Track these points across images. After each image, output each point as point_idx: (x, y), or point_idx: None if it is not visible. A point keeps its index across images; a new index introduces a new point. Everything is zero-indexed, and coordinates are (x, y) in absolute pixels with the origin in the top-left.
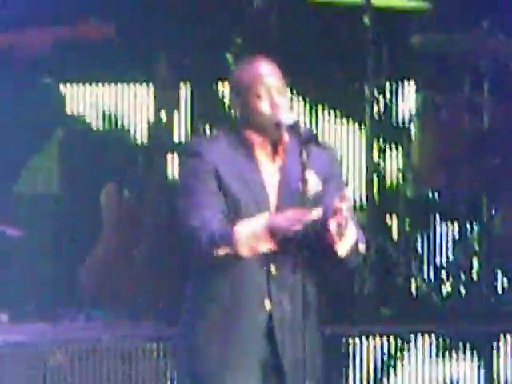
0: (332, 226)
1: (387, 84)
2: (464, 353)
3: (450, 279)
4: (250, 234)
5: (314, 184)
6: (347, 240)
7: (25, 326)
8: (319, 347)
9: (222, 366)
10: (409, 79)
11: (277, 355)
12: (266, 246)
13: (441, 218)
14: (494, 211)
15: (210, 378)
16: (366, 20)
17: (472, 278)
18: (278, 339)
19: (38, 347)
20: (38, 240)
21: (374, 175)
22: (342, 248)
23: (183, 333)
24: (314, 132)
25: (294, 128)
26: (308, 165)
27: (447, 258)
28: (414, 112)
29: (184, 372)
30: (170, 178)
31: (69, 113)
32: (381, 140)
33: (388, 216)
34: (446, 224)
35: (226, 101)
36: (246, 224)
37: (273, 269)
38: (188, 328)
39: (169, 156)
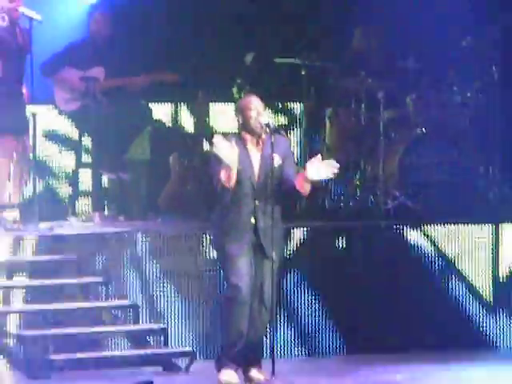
0: (307, 174)
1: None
2: None
3: None
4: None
5: (277, 160)
6: (309, 186)
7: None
8: (281, 236)
9: (231, 243)
10: None
11: (258, 238)
12: (230, 182)
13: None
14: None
15: (227, 248)
16: None
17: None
18: (260, 233)
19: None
20: (138, 181)
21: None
22: (306, 189)
23: (214, 230)
24: (277, 127)
25: (268, 125)
26: (274, 148)
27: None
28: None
29: (216, 246)
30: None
31: (152, 118)
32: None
33: None
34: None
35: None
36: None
37: (257, 202)
38: (215, 227)
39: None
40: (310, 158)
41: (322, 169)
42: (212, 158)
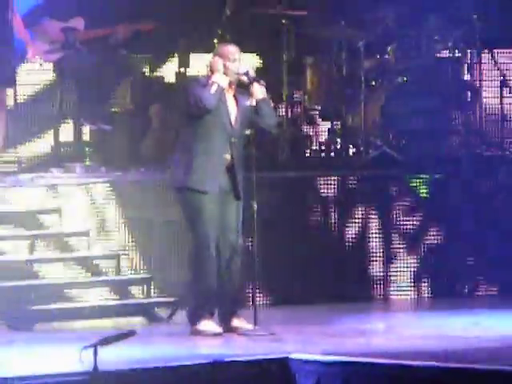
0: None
1: None
2: None
3: None
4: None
5: (251, 101)
6: (259, 91)
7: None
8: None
9: (200, 183)
10: None
11: (233, 177)
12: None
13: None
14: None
15: (194, 189)
16: None
17: None
18: (235, 171)
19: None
20: (121, 130)
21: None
22: (257, 94)
23: (178, 167)
24: (256, 75)
25: (247, 74)
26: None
27: None
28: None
29: (179, 186)
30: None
31: (133, 69)
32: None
33: None
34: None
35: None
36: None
37: (233, 139)
38: (181, 164)
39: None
40: (291, 107)
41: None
42: (192, 82)
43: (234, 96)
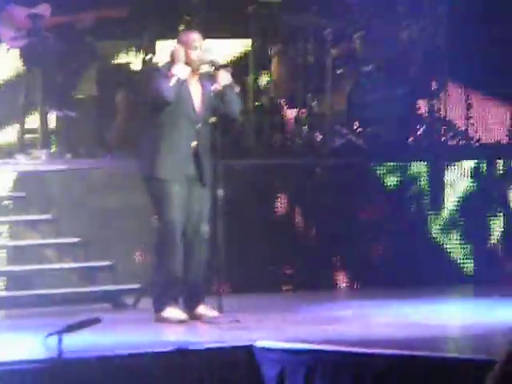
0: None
1: None
2: None
3: None
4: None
5: (216, 87)
6: (224, 77)
7: None
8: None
9: (166, 170)
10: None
11: (199, 164)
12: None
13: None
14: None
15: (161, 177)
16: None
17: None
18: (201, 158)
19: None
20: (87, 117)
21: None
22: (222, 79)
23: (145, 155)
24: (222, 63)
25: (213, 62)
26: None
27: None
28: None
29: (146, 174)
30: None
31: (99, 56)
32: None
33: None
34: None
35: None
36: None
37: (198, 126)
38: (147, 152)
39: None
40: (257, 95)
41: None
42: (153, 73)
43: (199, 81)
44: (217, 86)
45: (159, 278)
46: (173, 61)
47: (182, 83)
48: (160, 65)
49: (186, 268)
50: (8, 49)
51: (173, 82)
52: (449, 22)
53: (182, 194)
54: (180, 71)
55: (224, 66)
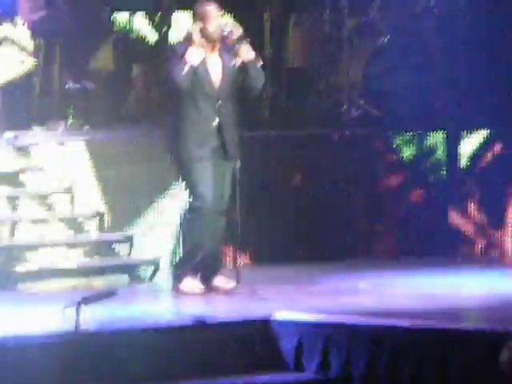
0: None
1: None
2: None
3: None
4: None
5: (237, 62)
6: (247, 52)
7: None
8: (237, 134)
9: (193, 147)
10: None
11: (223, 140)
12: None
13: None
14: None
15: (189, 153)
16: None
17: None
18: (224, 134)
19: None
20: (103, 90)
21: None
22: (244, 54)
23: (171, 133)
24: (239, 35)
25: (231, 34)
26: (235, 52)
27: None
28: None
29: (175, 151)
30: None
31: (116, 27)
32: None
33: None
34: None
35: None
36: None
37: (220, 102)
38: (173, 130)
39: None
40: (275, 66)
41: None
42: (169, 55)
43: (220, 55)
44: (239, 60)
45: (184, 249)
46: (189, 43)
47: (196, 68)
48: (176, 41)
49: (205, 240)
50: (23, 23)
51: (186, 69)
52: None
53: (208, 170)
54: (194, 57)
55: (241, 39)
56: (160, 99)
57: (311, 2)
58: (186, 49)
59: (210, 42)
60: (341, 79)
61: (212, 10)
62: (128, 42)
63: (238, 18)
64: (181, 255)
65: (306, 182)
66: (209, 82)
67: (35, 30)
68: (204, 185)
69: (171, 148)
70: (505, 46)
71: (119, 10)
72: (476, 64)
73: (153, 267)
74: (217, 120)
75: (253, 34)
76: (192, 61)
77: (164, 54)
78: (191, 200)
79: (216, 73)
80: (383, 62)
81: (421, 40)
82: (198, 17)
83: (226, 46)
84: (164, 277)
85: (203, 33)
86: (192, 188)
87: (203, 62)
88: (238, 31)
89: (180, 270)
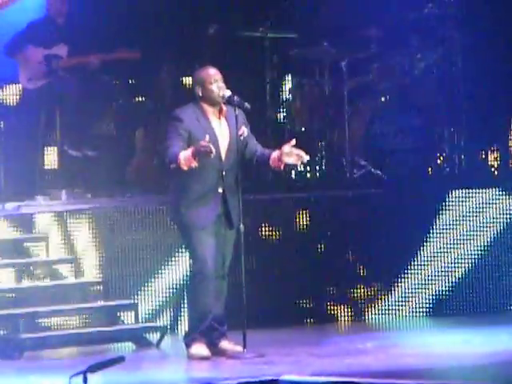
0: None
1: None
2: None
3: None
4: (185, 156)
5: (244, 131)
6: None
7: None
8: (239, 205)
9: (196, 214)
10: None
11: (226, 209)
12: (194, 163)
13: None
14: None
15: (192, 220)
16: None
17: None
18: (228, 203)
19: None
20: (104, 157)
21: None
22: (279, 167)
23: (175, 200)
24: (240, 99)
25: (231, 98)
26: (239, 120)
27: None
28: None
29: (178, 218)
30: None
31: (116, 94)
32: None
33: None
34: None
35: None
36: (183, 152)
37: (224, 172)
38: (177, 197)
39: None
40: (275, 128)
41: (292, 155)
42: (169, 128)
43: (226, 121)
44: (246, 130)
45: (191, 314)
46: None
47: (204, 138)
48: (178, 112)
49: (213, 305)
50: (24, 89)
51: (172, 166)
52: (464, 52)
53: (211, 236)
54: (186, 165)
55: (242, 103)
56: (162, 166)
57: (311, 65)
58: (188, 116)
59: (215, 105)
60: (342, 140)
61: (212, 72)
62: (129, 108)
63: (238, 81)
64: (189, 322)
65: (310, 244)
66: (216, 154)
67: (36, 99)
68: (204, 249)
69: (174, 215)
70: (508, 100)
71: (119, 76)
72: (478, 120)
73: (159, 333)
74: (221, 189)
75: (253, 98)
76: (183, 165)
77: (165, 125)
78: (192, 263)
79: (224, 143)
80: (384, 121)
81: (421, 99)
82: (199, 80)
83: (230, 111)
84: (171, 343)
85: (205, 98)
86: (193, 252)
87: (213, 133)
88: (236, 95)
89: (189, 335)
